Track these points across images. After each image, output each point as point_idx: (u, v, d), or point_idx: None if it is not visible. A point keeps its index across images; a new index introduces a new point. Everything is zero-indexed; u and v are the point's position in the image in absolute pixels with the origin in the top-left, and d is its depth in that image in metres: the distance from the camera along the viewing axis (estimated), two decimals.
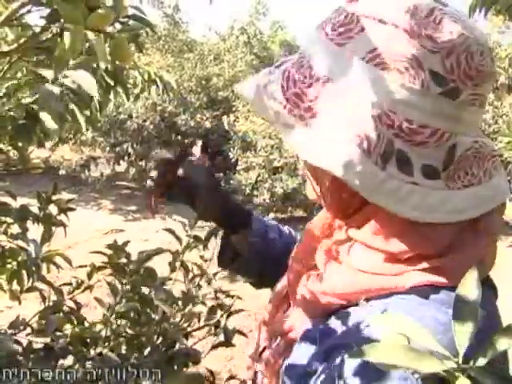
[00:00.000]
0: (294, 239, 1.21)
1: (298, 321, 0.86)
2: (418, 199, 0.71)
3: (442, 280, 0.71)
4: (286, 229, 1.26)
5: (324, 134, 0.70)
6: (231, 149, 7.83)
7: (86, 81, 0.63)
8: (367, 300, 0.75)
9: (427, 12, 0.71)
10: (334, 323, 0.77)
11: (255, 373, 0.94)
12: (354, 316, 0.75)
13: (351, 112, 0.70)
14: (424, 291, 0.71)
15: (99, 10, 0.71)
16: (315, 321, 0.82)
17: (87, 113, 0.92)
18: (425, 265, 0.73)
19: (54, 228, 1.09)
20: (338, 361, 0.68)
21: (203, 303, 0.99)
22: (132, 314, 0.93)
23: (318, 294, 0.82)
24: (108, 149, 8.37)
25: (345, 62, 0.72)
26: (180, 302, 0.96)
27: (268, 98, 0.75)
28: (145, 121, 8.03)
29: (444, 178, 0.73)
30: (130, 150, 8.26)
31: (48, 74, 0.64)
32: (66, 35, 0.64)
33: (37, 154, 8.48)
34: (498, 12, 1.17)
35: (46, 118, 0.60)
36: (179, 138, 8.80)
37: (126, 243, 1.00)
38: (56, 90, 0.61)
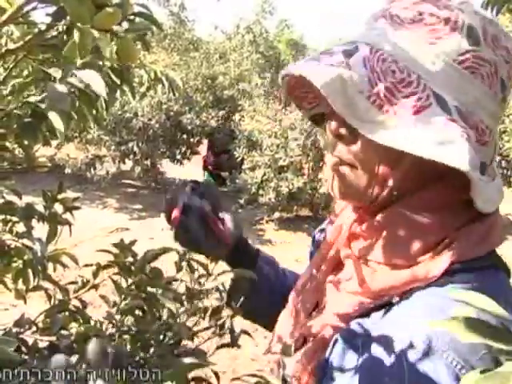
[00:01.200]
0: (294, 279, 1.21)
1: (330, 321, 0.87)
2: (487, 193, 0.75)
3: (462, 257, 0.75)
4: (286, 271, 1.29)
5: (432, 132, 0.71)
6: (237, 148, 7.83)
7: (94, 80, 0.62)
8: (400, 296, 0.77)
9: (497, 24, 0.79)
10: (370, 320, 0.79)
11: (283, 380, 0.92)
12: (392, 312, 0.77)
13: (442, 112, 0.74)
14: (450, 280, 0.74)
15: (107, 8, 0.71)
16: (349, 320, 0.83)
17: (93, 111, 0.91)
18: (443, 246, 0.77)
19: (59, 227, 1.09)
20: (376, 354, 0.71)
21: (207, 297, 0.99)
22: (137, 312, 0.93)
23: (349, 294, 0.84)
24: (113, 147, 8.38)
25: (435, 62, 0.76)
26: (184, 298, 0.96)
27: (350, 88, 0.74)
28: (150, 119, 8.04)
29: (487, 172, 0.80)
30: (136, 148, 8.27)
31: (56, 72, 0.63)
32: (76, 34, 0.63)
33: (42, 153, 8.50)
34: (511, 11, 1.16)
35: (54, 117, 0.60)
36: (185, 136, 8.80)
37: (132, 242, 1.00)
38: (64, 89, 0.60)
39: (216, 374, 0.94)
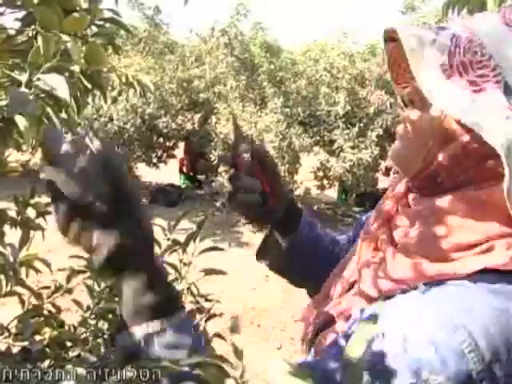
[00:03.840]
0: (338, 243, 1.26)
1: (355, 303, 0.88)
2: None
3: (496, 264, 0.76)
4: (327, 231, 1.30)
5: (493, 109, 0.75)
6: (213, 150, 7.82)
7: (58, 84, 0.63)
8: (425, 285, 0.77)
9: None
10: (385, 306, 0.79)
11: None
12: (404, 301, 0.77)
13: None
14: (480, 278, 0.75)
15: (75, 14, 0.71)
16: (373, 301, 0.84)
17: (64, 115, 0.91)
18: (480, 249, 0.78)
19: (32, 232, 1.08)
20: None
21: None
22: (110, 316, 0.93)
23: (378, 279, 0.85)
24: None
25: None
26: None
27: (431, 54, 0.77)
28: (125, 123, 8.00)
29: None
30: None
31: (21, 77, 0.64)
32: (40, 39, 0.64)
33: (16, 157, 8.39)
34: (470, 12, 1.19)
35: (19, 120, 0.60)
36: (161, 140, 8.77)
37: None
38: (28, 93, 0.61)
39: None
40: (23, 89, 0.60)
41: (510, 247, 0.77)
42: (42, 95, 0.64)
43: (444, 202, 0.83)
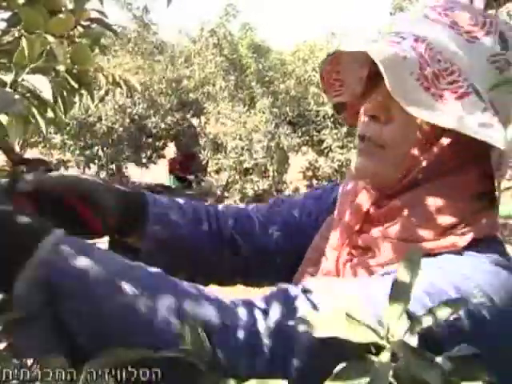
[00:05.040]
0: (200, 214, 1.09)
1: None
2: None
3: (481, 234, 0.83)
4: (187, 205, 1.10)
5: (474, 115, 0.78)
6: (202, 150, 7.83)
7: (42, 85, 0.64)
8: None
9: None
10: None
11: None
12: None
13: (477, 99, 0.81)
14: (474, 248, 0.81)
15: (60, 15, 0.72)
16: None
17: (51, 115, 0.92)
18: (465, 227, 0.83)
19: None
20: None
21: None
22: None
23: (370, 268, 0.87)
24: (78, 152, 8.30)
25: (471, 58, 0.83)
26: None
27: (403, 68, 0.79)
28: (114, 123, 7.99)
29: None
30: (101, 153, 8.21)
31: (7, 77, 0.65)
32: (24, 41, 0.65)
33: (4, 157, 8.35)
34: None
35: (3, 120, 0.61)
36: (150, 140, 8.77)
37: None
38: (13, 93, 0.62)
39: None
40: (8, 89, 0.61)
41: (483, 220, 0.84)
42: (28, 95, 0.65)
43: (423, 191, 0.86)
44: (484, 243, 0.82)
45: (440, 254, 0.81)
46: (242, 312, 0.72)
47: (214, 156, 7.64)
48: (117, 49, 9.48)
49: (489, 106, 0.81)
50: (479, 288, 0.74)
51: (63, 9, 0.76)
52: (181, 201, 1.10)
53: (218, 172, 7.56)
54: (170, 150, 9.78)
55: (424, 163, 0.84)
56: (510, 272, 0.79)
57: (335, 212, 1.00)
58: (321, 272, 0.97)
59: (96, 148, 8.18)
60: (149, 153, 9.14)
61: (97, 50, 0.95)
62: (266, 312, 0.72)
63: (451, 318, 0.64)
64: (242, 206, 1.22)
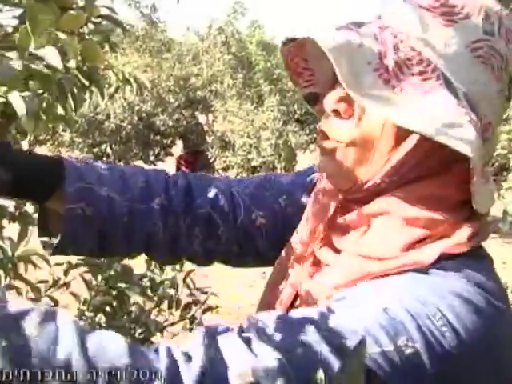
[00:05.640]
0: (153, 189, 0.95)
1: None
2: (482, 192, 0.74)
3: (452, 251, 0.73)
4: (135, 178, 0.94)
5: (440, 113, 0.69)
6: (209, 148, 7.84)
7: (49, 54, 0.64)
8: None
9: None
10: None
11: None
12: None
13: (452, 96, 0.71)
14: (439, 265, 0.72)
15: (71, 12, 0.73)
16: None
17: (62, 112, 0.93)
18: (435, 237, 0.74)
19: (30, 227, 1.09)
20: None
21: (173, 287, 0.98)
22: (108, 309, 0.95)
23: (324, 288, 0.79)
24: (86, 149, 8.32)
25: (448, 44, 0.73)
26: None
27: (358, 57, 0.70)
28: (123, 121, 8.01)
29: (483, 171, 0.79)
30: (109, 150, 8.23)
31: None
32: (27, 21, 0.65)
33: None
34: None
35: (14, 100, 0.62)
36: (158, 137, 8.78)
37: None
38: (20, 65, 0.62)
39: None
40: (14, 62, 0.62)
41: (461, 234, 0.74)
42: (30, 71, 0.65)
43: (392, 199, 0.77)
44: (460, 259, 0.73)
45: (405, 271, 0.72)
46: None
47: (221, 154, 7.64)
48: (125, 47, 9.49)
49: (463, 100, 0.71)
50: (440, 314, 0.66)
51: (74, 6, 0.77)
52: (127, 173, 0.94)
53: (225, 170, 7.56)
54: (178, 148, 9.78)
55: (390, 164, 0.75)
56: (480, 292, 0.70)
57: (305, 213, 0.90)
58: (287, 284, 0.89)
59: (104, 145, 8.20)
60: (157, 150, 9.15)
61: (106, 48, 0.95)
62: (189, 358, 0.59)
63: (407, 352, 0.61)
64: (227, 180, 1.07)
